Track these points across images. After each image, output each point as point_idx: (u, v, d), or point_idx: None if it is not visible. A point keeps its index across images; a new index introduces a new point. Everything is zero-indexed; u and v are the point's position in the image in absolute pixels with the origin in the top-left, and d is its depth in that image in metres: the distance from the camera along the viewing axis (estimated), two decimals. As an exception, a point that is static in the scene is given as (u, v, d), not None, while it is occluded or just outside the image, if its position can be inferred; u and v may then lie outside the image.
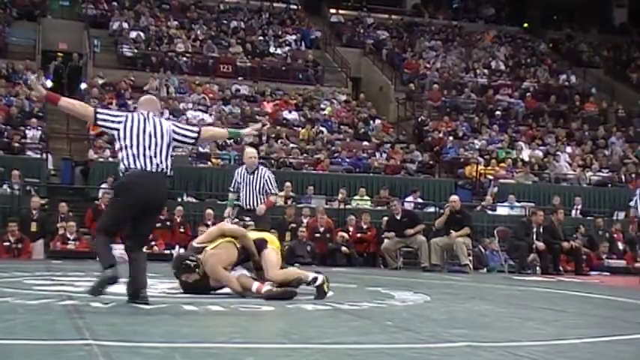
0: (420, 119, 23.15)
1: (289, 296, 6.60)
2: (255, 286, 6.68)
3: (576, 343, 4.73)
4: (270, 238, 7.34)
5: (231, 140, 13.59)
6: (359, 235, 15.45)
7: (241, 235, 6.99)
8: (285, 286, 6.78)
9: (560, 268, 14.44)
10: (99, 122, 6.15)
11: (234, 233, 7.05)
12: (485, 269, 14.85)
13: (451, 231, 13.97)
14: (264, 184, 9.79)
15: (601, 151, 22.26)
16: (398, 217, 14.59)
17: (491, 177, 19.45)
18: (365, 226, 15.60)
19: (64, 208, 14.41)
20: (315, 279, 6.88)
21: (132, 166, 5.97)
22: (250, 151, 10.49)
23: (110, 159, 17.10)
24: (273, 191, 10.05)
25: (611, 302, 8.24)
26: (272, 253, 7.00)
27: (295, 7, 29.91)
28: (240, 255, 6.90)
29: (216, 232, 7.10)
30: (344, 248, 14.87)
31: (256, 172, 9.87)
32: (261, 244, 7.01)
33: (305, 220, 15.29)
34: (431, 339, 4.61)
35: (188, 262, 6.77)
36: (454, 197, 14.76)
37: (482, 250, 15.23)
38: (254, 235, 7.25)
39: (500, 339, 4.73)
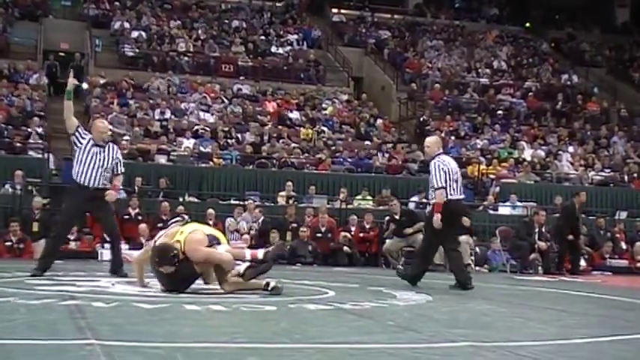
0: (421, 119, 23.14)
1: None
2: (249, 252, 6.82)
3: (578, 342, 4.72)
4: (222, 238, 7.38)
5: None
6: (362, 235, 15.45)
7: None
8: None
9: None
10: None
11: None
12: (486, 269, 14.84)
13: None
14: (432, 176, 8.87)
15: (603, 151, 22.24)
16: (397, 217, 14.58)
17: (493, 177, 19.43)
18: (368, 226, 15.59)
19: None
20: (268, 284, 6.93)
21: None
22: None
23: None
24: (434, 185, 8.81)
25: (613, 302, 8.23)
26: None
27: (297, 6, 29.90)
28: (209, 242, 6.95)
29: (175, 231, 7.14)
30: (346, 248, 14.87)
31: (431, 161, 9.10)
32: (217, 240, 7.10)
33: (308, 220, 15.28)
34: (433, 339, 4.60)
35: (173, 253, 6.77)
36: (437, 221, 14.63)
37: (477, 250, 15.18)
38: (209, 229, 7.32)
39: (502, 339, 4.73)
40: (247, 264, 6.83)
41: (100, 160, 8.41)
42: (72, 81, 8.69)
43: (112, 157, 8.54)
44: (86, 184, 8.41)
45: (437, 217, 8.72)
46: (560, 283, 11.35)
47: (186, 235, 6.90)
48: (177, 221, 7.60)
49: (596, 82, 28.11)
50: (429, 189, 9.07)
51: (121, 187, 9.15)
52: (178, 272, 6.80)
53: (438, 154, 8.97)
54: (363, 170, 18.91)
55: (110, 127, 18.36)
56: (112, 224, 8.92)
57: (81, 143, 8.47)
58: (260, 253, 6.80)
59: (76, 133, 8.53)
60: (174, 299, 6.39)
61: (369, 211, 16.25)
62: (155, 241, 7.29)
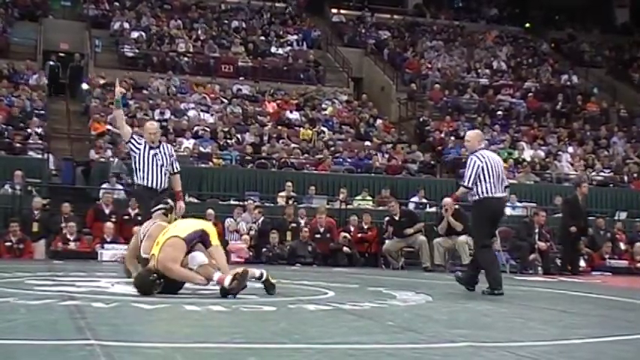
0: (421, 119, 23.15)
1: (244, 287, 6.63)
2: (217, 276, 6.66)
3: (578, 343, 4.72)
4: (205, 224, 7.27)
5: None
6: (360, 235, 15.44)
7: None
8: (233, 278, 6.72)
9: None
10: None
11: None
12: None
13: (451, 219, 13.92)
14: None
15: (603, 151, 22.25)
16: (397, 218, 14.57)
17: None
18: (366, 227, 15.59)
19: (67, 209, 14.41)
20: (262, 274, 6.96)
21: None
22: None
23: (112, 159, 17.11)
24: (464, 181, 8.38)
25: (613, 302, 8.23)
26: (219, 250, 6.98)
27: (296, 6, 29.89)
28: (189, 244, 6.82)
29: (157, 232, 7.06)
30: (345, 248, 14.87)
31: None
32: (204, 240, 6.92)
33: (302, 221, 15.22)
34: (433, 339, 4.60)
35: (152, 279, 6.66)
36: (447, 200, 14.63)
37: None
38: (192, 225, 7.13)
39: (501, 339, 4.73)
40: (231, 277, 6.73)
41: (158, 160, 8.44)
42: (119, 89, 8.80)
43: (168, 155, 8.56)
44: (154, 186, 8.43)
45: (448, 199, 8.52)
46: (560, 284, 11.35)
47: (161, 246, 6.74)
48: (160, 208, 7.54)
49: (595, 82, 28.11)
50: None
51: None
52: (165, 285, 6.71)
53: (480, 149, 8.46)
54: (363, 171, 18.91)
55: (110, 126, 18.43)
56: None
57: (138, 149, 8.48)
58: (227, 281, 6.58)
59: (132, 140, 8.56)
60: (173, 300, 6.39)
61: (366, 211, 16.25)
62: (141, 240, 7.25)
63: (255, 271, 7.06)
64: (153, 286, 6.63)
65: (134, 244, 7.53)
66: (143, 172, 8.45)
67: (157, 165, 8.44)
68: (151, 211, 7.69)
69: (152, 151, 8.45)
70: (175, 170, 8.68)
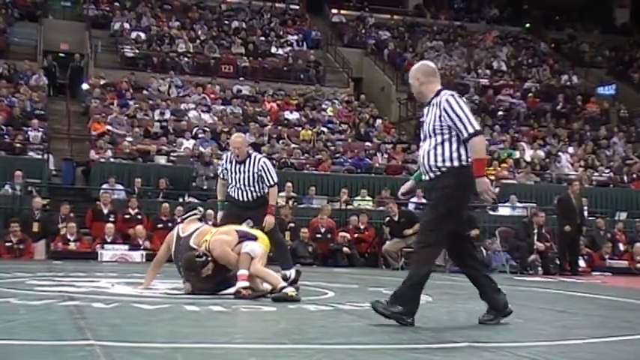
0: (421, 119, 23.11)
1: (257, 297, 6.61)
2: (240, 272, 6.67)
3: (578, 343, 4.73)
4: (262, 236, 7.26)
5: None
6: (356, 235, 15.43)
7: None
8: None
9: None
10: None
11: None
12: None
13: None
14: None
15: (603, 152, 22.25)
16: (396, 219, 14.58)
17: (492, 177, 19.40)
18: (362, 227, 15.58)
19: (66, 209, 14.41)
20: (284, 287, 6.67)
21: None
22: None
23: (112, 159, 17.11)
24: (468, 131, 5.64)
25: (613, 303, 8.23)
26: (259, 247, 6.95)
27: (297, 7, 29.90)
28: (240, 236, 6.93)
29: (208, 230, 7.21)
30: (345, 249, 14.86)
31: None
32: (251, 237, 7.01)
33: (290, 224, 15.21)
34: (432, 339, 4.60)
35: (199, 258, 6.73)
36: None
37: (484, 250, 15.17)
38: (248, 228, 7.29)
39: (501, 339, 4.73)
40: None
41: (238, 175, 7.99)
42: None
43: (253, 171, 7.99)
44: (239, 200, 8.05)
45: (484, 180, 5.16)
46: (560, 284, 11.34)
47: (215, 233, 6.96)
48: (194, 214, 7.51)
49: (596, 82, 28.11)
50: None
51: (275, 205, 8.20)
52: (218, 266, 6.73)
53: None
54: (363, 171, 18.90)
55: (110, 127, 18.43)
56: (276, 239, 8.26)
57: (226, 169, 8.10)
58: (242, 284, 6.60)
59: (220, 172, 8.25)
60: (174, 300, 6.39)
61: (363, 211, 16.23)
62: (181, 237, 7.22)
63: (279, 282, 6.80)
64: (200, 264, 6.68)
65: (164, 250, 7.45)
66: (230, 186, 8.10)
67: (241, 180, 7.99)
68: (182, 217, 7.58)
69: (230, 165, 8.04)
70: (269, 184, 8.05)
